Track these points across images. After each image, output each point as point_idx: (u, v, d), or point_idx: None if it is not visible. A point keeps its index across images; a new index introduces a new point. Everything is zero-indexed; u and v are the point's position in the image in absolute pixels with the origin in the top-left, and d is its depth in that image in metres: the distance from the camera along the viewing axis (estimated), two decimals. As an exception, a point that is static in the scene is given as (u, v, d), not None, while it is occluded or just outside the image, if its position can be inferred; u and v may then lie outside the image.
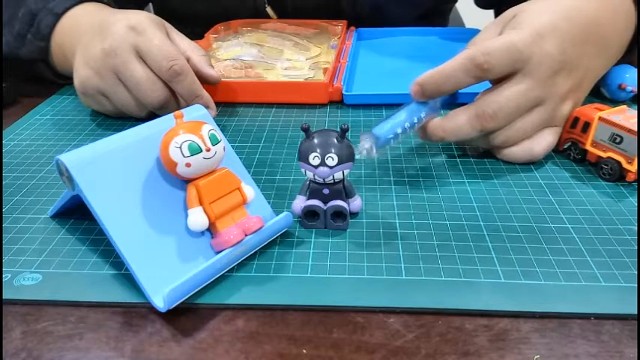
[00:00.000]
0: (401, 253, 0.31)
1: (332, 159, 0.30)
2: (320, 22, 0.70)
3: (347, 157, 0.31)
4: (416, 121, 0.38)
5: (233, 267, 0.30)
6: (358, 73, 0.60)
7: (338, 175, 0.31)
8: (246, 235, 0.30)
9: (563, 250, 0.31)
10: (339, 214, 0.33)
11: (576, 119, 0.40)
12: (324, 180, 0.31)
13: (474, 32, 0.68)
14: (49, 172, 0.41)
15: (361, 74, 0.60)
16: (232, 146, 0.34)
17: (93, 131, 0.48)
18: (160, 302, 0.27)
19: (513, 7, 0.42)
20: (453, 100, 0.41)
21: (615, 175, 0.38)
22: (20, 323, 0.27)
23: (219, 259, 0.29)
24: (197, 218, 0.29)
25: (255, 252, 0.31)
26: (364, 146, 0.37)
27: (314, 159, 0.31)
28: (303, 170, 0.32)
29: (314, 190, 0.33)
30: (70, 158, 0.28)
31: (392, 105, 0.52)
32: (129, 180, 0.29)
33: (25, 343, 0.26)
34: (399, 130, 0.37)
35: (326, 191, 0.32)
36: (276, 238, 0.32)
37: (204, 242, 0.30)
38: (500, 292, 0.28)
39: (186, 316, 0.27)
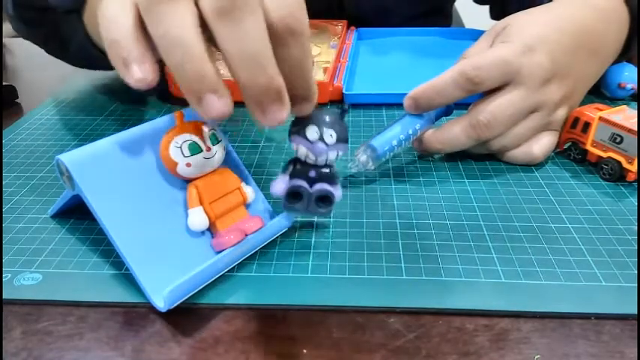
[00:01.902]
0: (401, 253, 0.31)
1: (331, 136, 0.28)
2: (320, 21, 0.70)
3: (345, 138, 0.29)
4: (411, 133, 0.38)
5: (233, 267, 0.30)
6: (358, 73, 0.60)
7: (332, 156, 0.29)
8: (246, 235, 0.30)
9: (563, 249, 0.31)
10: (324, 199, 0.30)
11: (576, 119, 0.40)
12: (316, 158, 0.29)
13: (474, 32, 0.69)
14: (49, 172, 0.41)
15: (361, 74, 0.60)
16: (232, 146, 0.34)
17: (93, 131, 0.48)
18: (160, 302, 0.27)
19: (504, 19, 0.42)
20: (447, 112, 0.41)
21: (615, 175, 0.38)
22: (20, 323, 0.27)
23: (219, 259, 0.28)
24: (197, 218, 0.29)
25: (255, 252, 0.31)
26: (360, 159, 0.37)
27: (311, 133, 0.28)
28: (294, 145, 0.29)
29: (299, 170, 0.30)
30: (70, 158, 0.28)
31: (392, 105, 0.52)
32: (129, 180, 0.29)
33: (26, 343, 0.26)
34: (395, 143, 0.38)
35: (312, 173, 0.30)
36: (276, 238, 0.32)
37: (204, 242, 0.30)
38: (500, 292, 0.28)
39: (186, 316, 0.27)
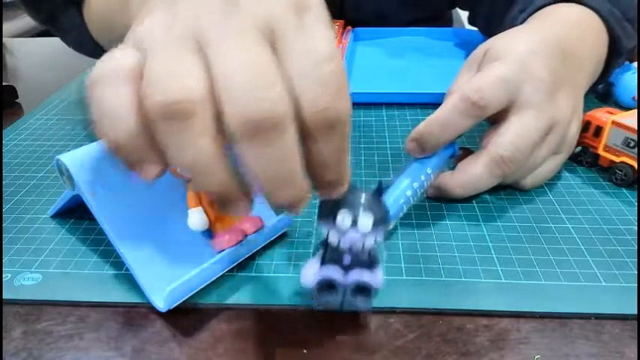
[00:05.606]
0: (401, 253, 0.31)
1: (366, 221, 0.23)
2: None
3: (384, 219, 0.24)
4: (424, 179, 0.34)
5: (233, 267, 0.30)
6: (355, 73, 0.60)
7: (369, 243, 0.24)
8: (246, 235, 0.30)
9: (563, 250, 0.31)
10: (363, 290, 0.25)
11: (588, 123, 0.39)
12: (350, 247, 0.24)
13: (470, 33, 0.69)
14: (49, 172, 0.41)
15: (358, 73, 0.60)
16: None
17: (93, 131, 0.48)
18: (160, 302, 0.27)
19: (481, 45, 0.39)
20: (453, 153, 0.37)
21: (629, 179, 0.37)
22: (20, 323, 0.27)
23: (219, 259, 0.29)
24: (197, 218, 0.29)
25: (255, 252, 0.31)
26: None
27: (343, 219, 0.23)
28: (324, 232, 0.24)
29: (332, 256, 0.25)
30: (70, 158, 0.28)
31: (390, 104, 0.52)
32: (129, 180, 0.29)
33: (25, 343, 0.26)
34: (409, 193, 0.33)
35: (347, 260, 0.25)
36: (276, 238, 0.32)
37: (204, 242, 0.30)
38: (500, 292, 0.28)
39: (186, 316, 0.27)
